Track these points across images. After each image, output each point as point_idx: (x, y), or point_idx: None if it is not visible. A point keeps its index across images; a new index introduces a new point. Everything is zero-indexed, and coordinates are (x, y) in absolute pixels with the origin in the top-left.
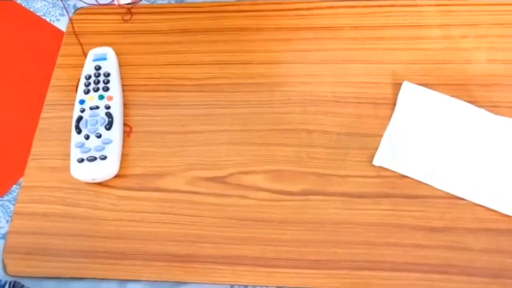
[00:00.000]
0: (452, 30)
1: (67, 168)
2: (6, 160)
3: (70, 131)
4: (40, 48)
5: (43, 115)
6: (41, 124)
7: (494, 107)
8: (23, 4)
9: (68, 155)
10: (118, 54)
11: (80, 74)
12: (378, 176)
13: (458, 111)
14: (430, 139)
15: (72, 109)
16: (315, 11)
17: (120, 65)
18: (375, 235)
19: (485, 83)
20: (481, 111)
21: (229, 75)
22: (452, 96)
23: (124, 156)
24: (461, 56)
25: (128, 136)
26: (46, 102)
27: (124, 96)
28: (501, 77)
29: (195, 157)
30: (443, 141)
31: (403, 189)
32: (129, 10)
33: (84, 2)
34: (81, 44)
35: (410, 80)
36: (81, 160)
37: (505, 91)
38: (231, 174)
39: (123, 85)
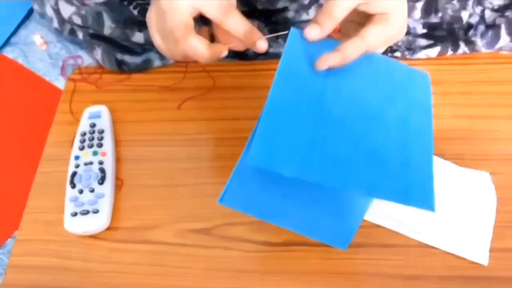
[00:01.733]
0: None
1: (60, 222)
2: (1, 215)
3: (64, 185)
4: (40, 106)
5: (39, 169)
6: (38, 178)
7: (459, 160)
8: (25, 65)
9: (62, 208)
10: (113, 111)
11: (76, 130)
12: None
13: None
14: None
15: (68, 164)
16: None
17: (115, 121)
18: (353, 284)
19: (451, 137)
20: (447, 163)
21: (217, 130)
22: None
23: (115, 209)
24: None
25: (119, 189)
26: (43, 158)
27: (117, 151)
28: (465, 131)
29: (183, 209)
30: None
31: (378, 239)
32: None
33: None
34: (70, 106)
35: None
36: (74, 214)
37: (469, 144)
38: (217, 226)
39: (117, 141)
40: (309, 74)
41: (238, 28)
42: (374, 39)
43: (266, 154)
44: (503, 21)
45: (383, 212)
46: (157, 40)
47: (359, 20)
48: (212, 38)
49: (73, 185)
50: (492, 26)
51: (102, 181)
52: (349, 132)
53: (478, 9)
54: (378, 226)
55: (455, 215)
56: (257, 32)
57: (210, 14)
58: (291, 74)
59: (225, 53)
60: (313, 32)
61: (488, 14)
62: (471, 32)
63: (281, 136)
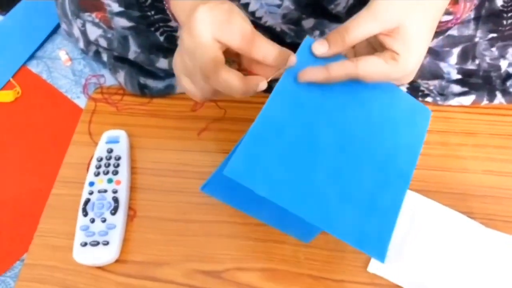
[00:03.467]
0: (450, 137)
1: (70, 248)
2: (11, 236)
3: (77, 210)
4: (59, 123)
5: (53, 191)
6: (51, 200)
7: (488, 220)
8: (48, 80)
9: (73, 234)
10: (131, 135)
11: (93, 152)
12: (372, 284)
13: (453, 222)
14: (425, 250)
15: (82, 187)
16: None
17: (133, 147)
18: None
19: (481, 194)
20: (475, 223)
21: None
22: (448, 205)
23: (125, 240)
24: (458, 164)
25: (131, 220)
26: (58, 179)
27: (132, 179)
28: (496, 189)
29: (194, 247)
30: (437, 252)
31: None
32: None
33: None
34: (89, 127)
35: None
36: (84, 244)
37: (500, 204)
38: (228, 270)
39: (132, 168)
40: (309, 91)
41: (267, 55)
42: (369, 71)
43: (243, 169)
44: None
45: (402, 271)
46: (186, 82)
47: (374, 43)
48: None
49: (85, 213)
50: None
51: (114, 211)
52: (328, 164)
53: None
54: (397, 286)
55: (479, 279)
56: (286, 51)
57: (234, 44)
58: (291, 88)
59: (263, 85)
60: (320, 49)
61: None
62: (509, 83)
63: (262, 154)
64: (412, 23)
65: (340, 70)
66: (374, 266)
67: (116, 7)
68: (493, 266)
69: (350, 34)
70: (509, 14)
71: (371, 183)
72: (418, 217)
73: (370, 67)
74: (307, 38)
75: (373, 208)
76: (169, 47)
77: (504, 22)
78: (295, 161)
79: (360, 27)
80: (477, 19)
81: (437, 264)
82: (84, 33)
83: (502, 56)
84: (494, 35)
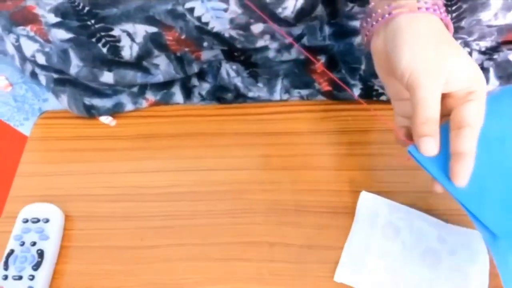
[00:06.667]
0: None
1: None
2: None
3: None
4: (2, 154)
5: None
6: None
7: (448, 215)
8: None
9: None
10: (80, 161)
11: (43, 184)
12: None
13: (414, 221)
14: (390, 253)
15: None
16: (276, 116)
17: (81, 173)
18: None
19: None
20: (435, 220)
21: (192, 182)
22: (409, 204)
23: (81, 274)
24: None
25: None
26: (4, 215)
27: (84, 208)
28: None
29: (152, 275)
30: (402, 254)
31: None
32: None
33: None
34: (36, 156)
35: (368, 188)
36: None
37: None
38: None
39: (79, 195)
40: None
41: None
42: (477, 119)
43: None
44: (492, 64)
45: (369, 278)
46: None
47: None
48: None
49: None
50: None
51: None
52: None
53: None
54: None
55: (446, 277)
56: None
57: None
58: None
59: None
60: (434, 148)
61: (476, 57)
62: None
63: None
64: (454, 57)
65: (468, 142)
66: (340, 275)
67: (52, 18)
68: (458, 261)
69: (433, 113)
70: (454, 8)
71: None
72: (380, 220)
73: (475, 115)
74: (410, 148)
75: None
76: (113, 59)
77: (449, 16)
78: None
79: (431, 102)
80: None
81: (403, 266)
82: (19, 49)
83: None
84: None
